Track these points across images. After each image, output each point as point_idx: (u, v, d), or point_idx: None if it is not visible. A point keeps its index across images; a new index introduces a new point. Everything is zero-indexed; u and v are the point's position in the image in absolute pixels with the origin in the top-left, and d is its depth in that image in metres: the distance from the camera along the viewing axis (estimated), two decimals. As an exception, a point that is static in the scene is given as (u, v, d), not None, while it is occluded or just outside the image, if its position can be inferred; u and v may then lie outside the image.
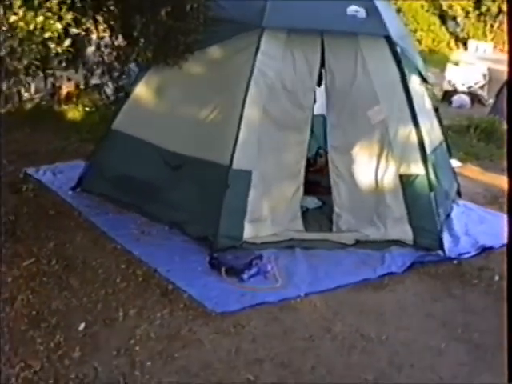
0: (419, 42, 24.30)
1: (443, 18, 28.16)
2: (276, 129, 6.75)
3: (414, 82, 7.51)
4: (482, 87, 16.93)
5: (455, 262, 6.68)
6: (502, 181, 9.35)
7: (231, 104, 6.70)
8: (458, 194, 8.53)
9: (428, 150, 7.07)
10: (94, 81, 10.59)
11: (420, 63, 7.92)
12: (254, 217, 6.61)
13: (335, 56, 6.87)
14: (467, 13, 28.60)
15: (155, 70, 7.36)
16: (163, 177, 7.12)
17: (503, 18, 30.06)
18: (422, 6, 26.89)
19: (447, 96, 16.29)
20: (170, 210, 6.96)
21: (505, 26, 31.13)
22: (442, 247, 6.76)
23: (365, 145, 6.95)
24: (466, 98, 16.03)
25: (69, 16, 6.94)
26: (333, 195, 6.95)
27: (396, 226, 6.88)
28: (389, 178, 6.90)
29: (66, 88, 12.31)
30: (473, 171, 10.08)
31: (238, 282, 5.91)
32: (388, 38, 6.90)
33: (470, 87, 16.62)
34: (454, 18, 28.63)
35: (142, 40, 7.07)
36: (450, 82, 16.75)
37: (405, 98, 6.94)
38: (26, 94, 13.18)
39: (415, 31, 24.69)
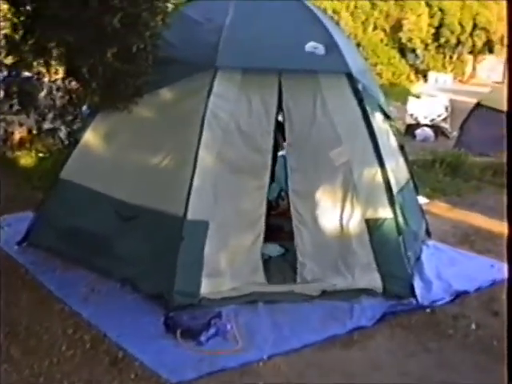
0: (379, 75, 24.08)
1: (403, 50, 28.09)
2: (232, 174, 6.23)
3: (377, 119, 7.05)
4: (444, 119, 16.64)
5: (428, 310, 6.18)
6: (471, 217, 8.97)
7: (184, 149, 6.18)
8: (427, 233, 8.05)
9: (394, 190, 6.59)
10: (47, 125, 10.04)
11: (382, 99, 7.47)
12: (211, 271, 6.06)
13: (293, 96, 6.39)
14: (426, 45, 28.59)
15: (104, 115, 6.85)
16: (114, 229, 6.55)
17: (462, 49, 30.12)
18: (382, 40, 26.76)
19: (410, 129, 15.99)
20: (121, 265, 6.38)
21: (464, 57, 31.19)
22: (413, 294, 6.26)
23: (328, 188, 6.44)
24: (430, 131, 15.73)
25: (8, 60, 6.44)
26: (295, 242, 6.42)
27: (364, 273, 6.36)
28: (354, 222, 6.40)
29: (19, 133, 11.69)
30: (440, 208, 9.65)
31: (195, 345, 5.33)
32: (349, 75, 6.45)
33: (432, 120, 16.33)
34: (414, 51, 28.57)
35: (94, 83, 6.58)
36: (412, 115, 16.45)
37: (368, 137, 6.47)
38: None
39: (375, 65, 24.50)
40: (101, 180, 6.78)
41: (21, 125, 11.72)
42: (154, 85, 6.42)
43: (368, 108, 6.59)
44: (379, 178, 6.42)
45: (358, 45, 23.59)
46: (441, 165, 11.68)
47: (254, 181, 6.31)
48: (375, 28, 26.22)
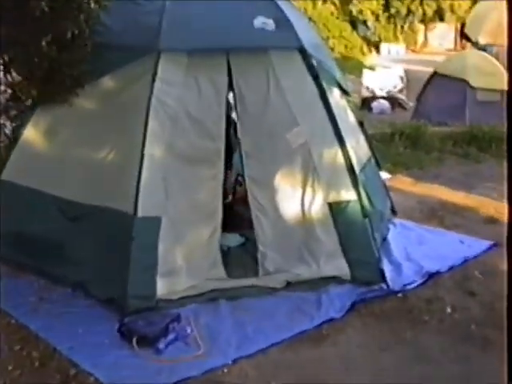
0: (332, 49, 23.63)
1: (354, 23, 27.68)
2: (184, 165, 5.75)
3: (335, 95, 6.62)
4: (400, 90, 16.29)
5: (400, 295, 5.79)
6: (436, 191, 8.63)
7: (130, 142, 5.68)
8: (393, 211, 7.64)
9: (357, 169, 6.17)
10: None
11: (338, 74, 7.02)
12: (167, 270, 5.58)
13: (244, 75, 5.92)
14: (377, 16, 28.22)
15: (44, 109, 6.30)
16: (61, 231, 6.03)
17: (413, 18, 29.78)
18: (332, 13, 26.30)
19: (366, 102, 15.61)
20: (71, 269, 5.86)
21: (416, 26, 30.86)
22: (383, 279, 5.85)
23: (286, 172, 6.00)
24: (386, 103, 15.37)
25: None
26: (255, 232, 5.97)
27: (330, 261, 5.94)
28: (316, 207, 5.97)
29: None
30: (404, 182, 9.26)
31: (153, 353, 4.86)
32: (302, 50, 5.98)
33: (388, 92, 15.97)
34: (365, 23, 28.18)
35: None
36: (367, 87, 16.08)
37: (326, 115, 6.03)
38: None
39: (327, 39, 24.03)
40: (44, 179, 6.23)
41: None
42: (94, 74, 5.91)
43: (324, 84, 6.15)
44: (340, 158, 5.99)
45: (309, 19, 22.99)
46: (400, 137, 11.31)
47: (207, 170, 5.84)
48: (325, 1, 25.75)
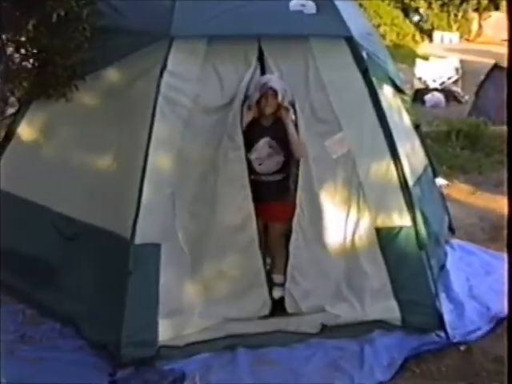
0: (383, 37, 22.15)
1: (406, 10, 26.13)
2: (202, 177, 4.54)
3: (388, 94, 5.32)
4: (455, 82, 14.83)
5: (462, 347, 4.52)
6: (498, 203, 7.28)
7: (133, 149, 4.49)
8: (451, 230, 6.31)
9: (411, 182, 4.90)
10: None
11: (392, 68, 5.71)
12: (172, 308, 4.40)
13: (277, 68, 4.68)
14: (430, 4, 26.59)
15: (38, 105, 5.14)
16: (55, 251, 4.90)
17: (467, 6, 28.09)
18: (383, 0, 24.77)
19: (419, 94, 14.20)
20: (63, 299, 4.74)
21: (470, 15, 29.16)
22: (442, 326, 4.57)
23: (326, 187, 4.74)
24: (440, 96, 13.94)
25: None
26: (289, 259, 4.72)
27: (376, 300, 4.69)
28: (361, 233, 4.72)
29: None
30: (461, 191, 7.94)
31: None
32: (349, 39, 4.70)
33: (442, 83, 14.52)
34: (417, 10, 26.61)
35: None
36: (420, 79, 14.69)
37: (376, 119, 4.75)
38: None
39: (378, 26, 22.57)
40: (38, 188, 5.10)
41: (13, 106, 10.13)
42: (95, 63, 4.75)
43: (375, 81, 4.88)
44: (392, 173, 4.73)
45: (360, 6, 21.54)
46: (457, 136, 9.92)
47: (232, 184, 4.59)
48: (377, -12, 24.27)
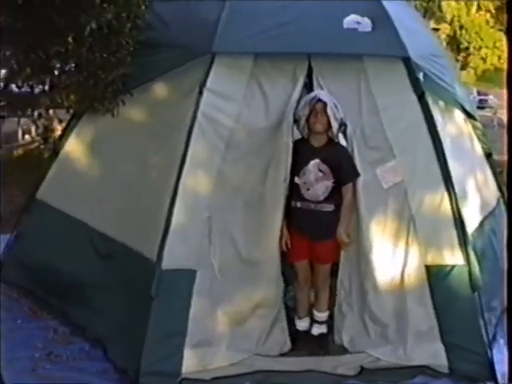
0: (483, 60, 21.41)
1: (510, 33, 25.15)
2: (243, 203, 4.30)
3: (455, 120, 4.92)
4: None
5: (514, 402, 4.03)
6: None
7: (167, 167, 4.27)
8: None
9: (479, 217, 4.55)
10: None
11: (461, 92, 5.28)
12: (200, 339, 4.15)
13: (328, 89, 4.37)
14: (535, 27, 25.52)
15: (87, 120, 5.04)
16: (90, 269, 4.78)
17: None
18: (488, 22, 23.92)
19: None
20: (94, 319, 4.59)
21: None
22: (493, 376, 4.13)
23: (375, 219, 4.38)
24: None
25: None
26: (338, 283, 4.42)
27: (421, 343, 4.32)
28: (410, 269, 4.37)
29: (60, 131, 10.06)
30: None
31: None
32: (406, 61, 4.35)
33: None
34: (522, 33, 25.59)
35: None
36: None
37: (432, 148, 4.36)
38: (26, 137, 11.14)
39: (479, 49, 21.80)
40: (80, 204, 5.00)
41: (60, 121, 10.19)
42: (137, 78, 4.61)
43: (439, 105, 4.55)
44: (446, 207, 4.36)
45: (461, 27, 20.93)
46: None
47: (269, 211, 4.30)
48: (479, 9, 23.40)
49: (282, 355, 4.30)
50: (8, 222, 6.37)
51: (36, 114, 9.63)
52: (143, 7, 4.49)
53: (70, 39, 4.27)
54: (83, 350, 4.50)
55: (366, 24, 4.40)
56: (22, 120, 10.81)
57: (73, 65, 4.67)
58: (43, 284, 5.09)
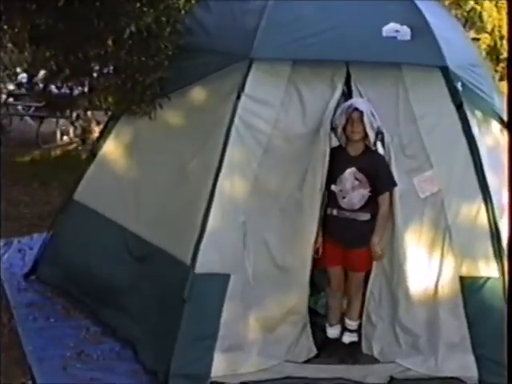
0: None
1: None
2: (278, 209, 4.30)
3: (493, 130, 4.89)
4: None
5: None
6: None
7: (203, 171, 4.30)
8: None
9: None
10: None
11: (499, 103, 5.21)
12: (230, 344, 4.17)
13: (366, 97, 4.37)
14: None
15: (125, 122, 5.11)
16: (124, 271, 4.83)
17: None
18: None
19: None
20: (126, 320, 4.64)
21: None
22: (524, 391, 4.09)
23: (411, 229, 4.36)
24: None
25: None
26: (367, 295, 4.41)
27: (452, 355, 4.31)
28: (444, 280, 4.35)
29: (98, 133, 10.18)
30: None
31: None
32: (445, 70, 4.33)
33: None
34: None
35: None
36: None
37: (470, 158, 4.33)
38: (64, 138, 11.28)
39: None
40: (116, 206, 5.05)
41: (98, 123, 10.32)
42: (175, 82, 4.64)
43: (476, 115, 4.52)
44: (483, 218, 4.33)
45: (502, 38, 20.54)
46: None
47: (307, 216, 4.30)
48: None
49: (309, 361, 4.29)
50: (45, 221, 6.50)
51: (74, 115, 9.81)
52: (183, 12, 4.53)
53: (109, 42, 4.34)
54: (114, 351, 4.56)
55: (405, 32, 4.38)
56: (61, 121, 10.98)
57: (111, 67, 4.75)
58: (77, 284, 5.16)
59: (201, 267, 4.06)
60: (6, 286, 5.44)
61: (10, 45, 4.47)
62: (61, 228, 5.45)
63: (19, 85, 11.10)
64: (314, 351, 4.33)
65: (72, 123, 10.74)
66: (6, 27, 4.21)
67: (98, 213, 5.13)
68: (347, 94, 4.46)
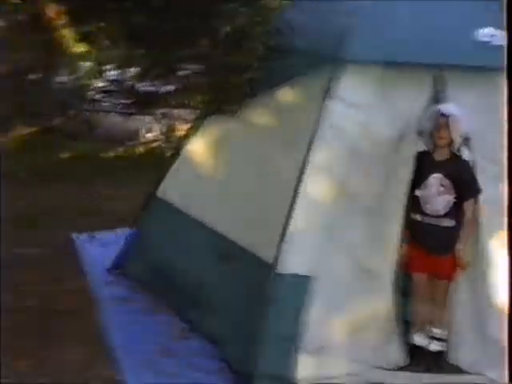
0: None
1: None
2: (364, 213, 4.26)
3: None
4: None
5: None
6: None
7: (288, 171, 4.31)
8: None
9: None
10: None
11: None
12: (315, 346, 4.13)
13: (457, 102, 4.28)
14: None
15: (212, 121, 5.14)
16: (209, 270, 4.87)
17: None
18: None
19: None
20: (212, 318, 4.68)
21: None
22: None
23: (496, 235, 4.23)
24: None
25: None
26: (455, 301, 4.37)
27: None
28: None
29: (182, 131, 10.30)
30: None
31: None
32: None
33: None
34: None
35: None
36: None
37: None
38: (148, 135, 11.43)
39: None
40: (199, 204, 5.12)
41: (183, 121, 10.40)
42: (265, 83, 4.64)
43: None
44: None
45: None
46: None
47: (392, 224, 4.27)
48: None
49: (397, 369, 4.25)
50: (128, 217, 6.61)
51: (160, 112, 9.93)
52: (275, 13, 4.55)
53: (202, 42, 4.39)
54: (199, 348, 4.60)
55: (500, 37, 4.29)
56: (146, 118, 11.12)
57: (202, 66, 4.80)
58: (162, 280, 5.24)
59: (285, 268, 4.07)
60: (90, 280, 5.56)
61: (105, 42, 4.55)
62: (145, 224, 5.54)
63: (108, 81, 11.28)
64: (405, 359, 4.28)
65: (157, 120, 10.85)
66: (102, 24, 4.30)
67: (180, 210, 5.20)
68: (437, 98, 4.39)
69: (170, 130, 10.47)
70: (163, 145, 10.71)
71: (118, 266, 5.68)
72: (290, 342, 4.08)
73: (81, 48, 4.51)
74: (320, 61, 4.34)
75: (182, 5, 4.22)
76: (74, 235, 6.49)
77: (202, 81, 4.81)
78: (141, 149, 10.52)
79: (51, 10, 4.25)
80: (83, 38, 4.31)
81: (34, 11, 4.33)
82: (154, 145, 10.80)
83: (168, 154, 9.48)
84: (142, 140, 11.07)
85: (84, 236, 6.48)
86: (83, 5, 4.08)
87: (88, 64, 6.12)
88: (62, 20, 4.23)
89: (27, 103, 4.70)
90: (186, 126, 9.56)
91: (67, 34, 4.33)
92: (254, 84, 4.66)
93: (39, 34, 4.40)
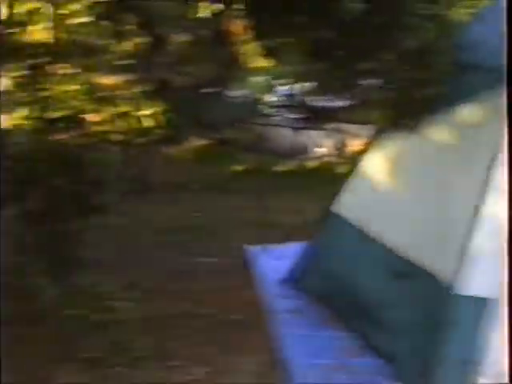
0: None
1: None
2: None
3: None
4: None
5: None
6: None
7: (470, 191, 4.19)
8: None
9: None
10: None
11: None
12: (496, 371, 3.92)
13: None
14: None
15: (391, 136, 5.08)
16: (384, 287, 4.82)
17: None
18: None
19: None
20: (386, 337, 4.64)
21: None
22: None
23: None
24: None
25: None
26: None
27: None
28: None
29: (355, 146, 10.28)
30: None
31: None
32: None
33: None
34: None
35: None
36: None
37: None
38: (319, 150, 11.52)
39: None
40: (374, 220, 5.08)
41: (355, 136, 10.37)
42: (446, 99, 4.52)
43: None
44: None
45: None
46: None
47: None
48: None
49: None
50: (300, 231, 6.68)
51: (331, 127, 9.97)
52: (460, 27, 4.45)
53: (384, 56, 4.35)
54: (376, 366, 4.54)
55: None
56: (316, 133, 11.20)
57: (382, 81, 4.76)
58: (336, 295, 5.24)
59: (463, 289, 3.96)
60: (264, 292, 5.66)
61: (287, 57, 4.62)
62: (320, 238, 5.57)
63: (281, 96, 11.46)
64: None
65: (329, 135, 10.91)
66: (287, 39, 4.36)
67: (355, 226, 5.19)
68: None
69: (343, 145, 10.49)
70: (335, 160, 10.74)
71: (292, 279, 5.74)
72: (469, 367, 3.97)
73: (261, 63, 4.61)
74: (501, 77, 4.19)
75: (369, 20, 4.20)
76: (246, 247, 6.61)
77: (381, 96, 4.76)
78: (311, 163, 10.59)
79: (236, 26, 4.37)
80: (266, 53, 4.40)
81: (218, 27, 4.47)
82: (325, 160, 10.86)
83: (340, 169, 9.54)
84: (313, 155, 11.16)
85: (256, 248, 6.60)
86: (269, 20, 4.16)
87: (262, 79, 6.26)
88: (247, 35, 4.34)
89: (203, 115, 4.83)
90: (357, 142, 9.61)
91: (250, 49, 4.44)
92: (437, 100, 4.57)
93: (221, 49, 4.53)
